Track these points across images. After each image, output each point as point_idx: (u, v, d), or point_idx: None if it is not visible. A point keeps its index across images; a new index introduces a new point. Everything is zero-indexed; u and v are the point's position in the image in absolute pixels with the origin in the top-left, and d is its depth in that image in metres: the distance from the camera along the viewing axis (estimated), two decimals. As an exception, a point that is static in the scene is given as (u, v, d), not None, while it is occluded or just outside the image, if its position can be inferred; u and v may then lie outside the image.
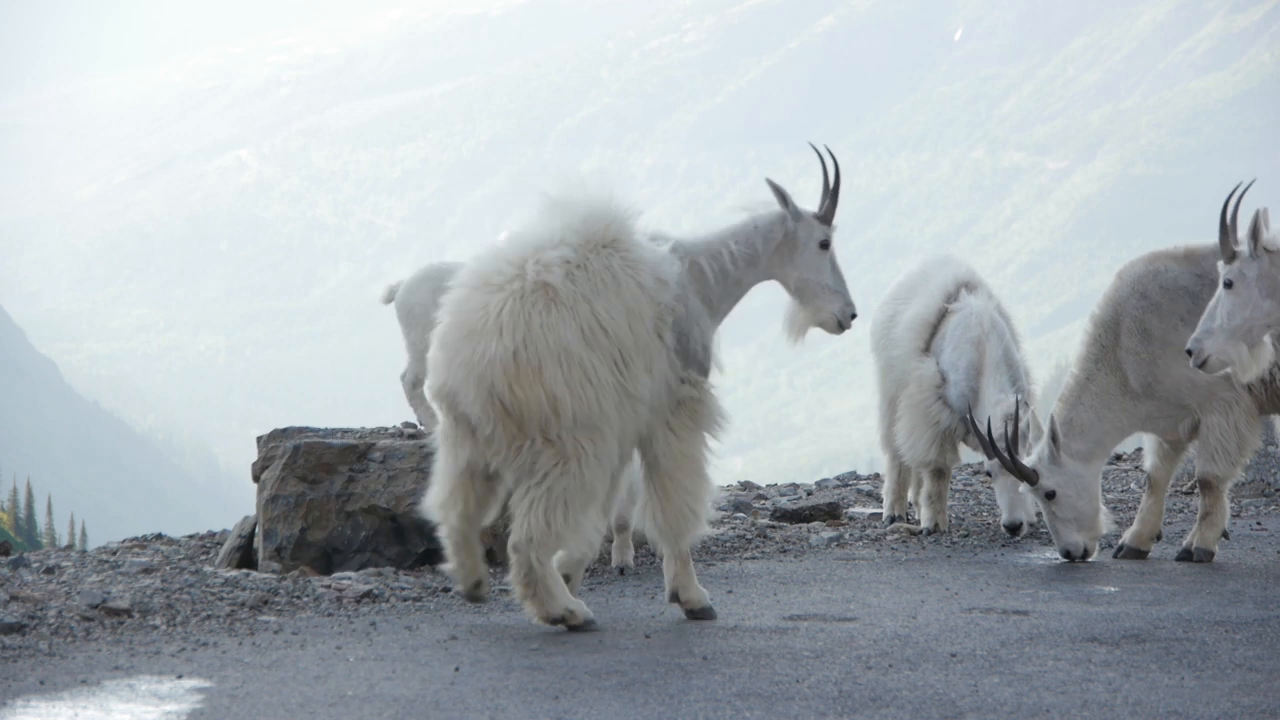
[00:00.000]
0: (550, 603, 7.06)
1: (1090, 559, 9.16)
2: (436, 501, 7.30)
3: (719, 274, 7.36)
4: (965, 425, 9.86)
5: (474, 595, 7.42)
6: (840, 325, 7.54)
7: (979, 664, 6.50)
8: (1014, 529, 9.81)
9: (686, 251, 7.34)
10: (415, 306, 9.35)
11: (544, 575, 7.02)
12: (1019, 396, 9.72)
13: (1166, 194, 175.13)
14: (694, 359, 7.25)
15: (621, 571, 8.91)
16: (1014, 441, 9.32)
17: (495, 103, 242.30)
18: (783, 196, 7.44)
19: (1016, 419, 9.42)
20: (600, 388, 6.92)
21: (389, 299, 9.61)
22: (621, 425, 7.02)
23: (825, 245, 7.46)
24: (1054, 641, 6.95)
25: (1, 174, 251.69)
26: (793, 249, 7.45)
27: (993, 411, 9.79)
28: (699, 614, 7.41)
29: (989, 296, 10.32)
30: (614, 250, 7.06)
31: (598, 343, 6.93)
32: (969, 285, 10.39)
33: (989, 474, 9.91)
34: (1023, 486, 9.28)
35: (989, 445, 9.53)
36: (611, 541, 8.98)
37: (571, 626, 7.11)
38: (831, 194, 7.50)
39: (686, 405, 7.21)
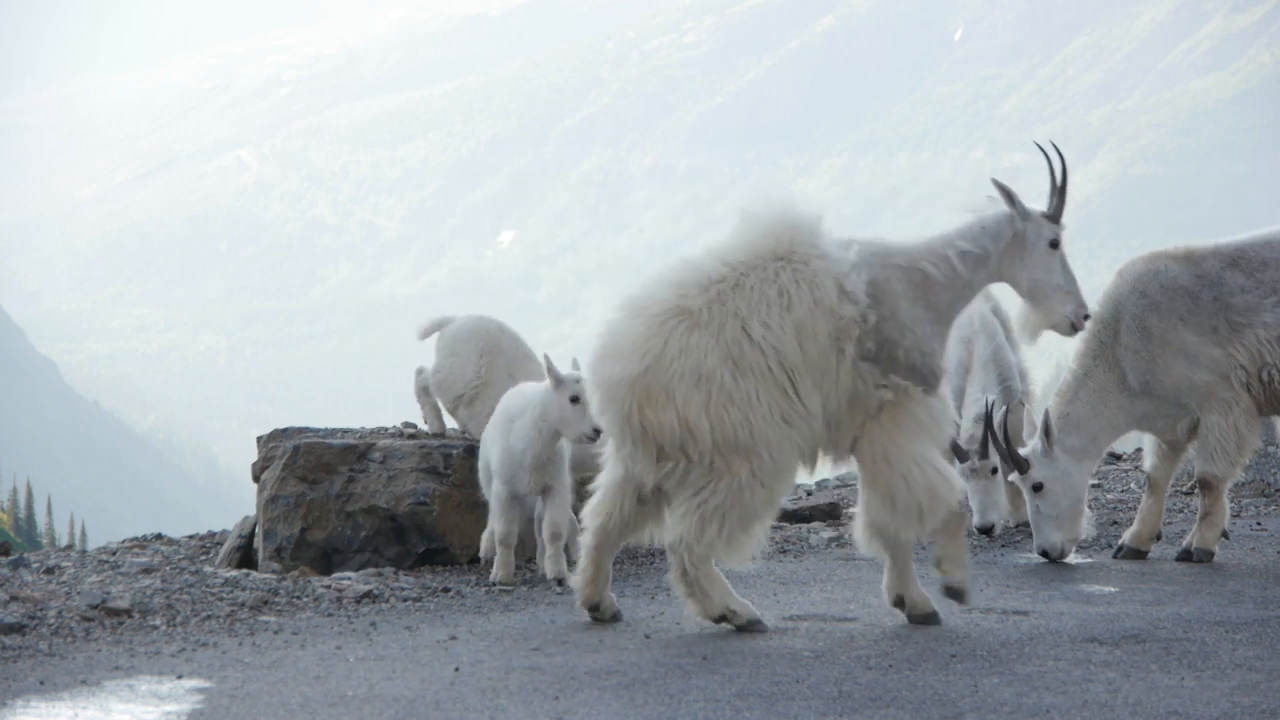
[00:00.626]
0: (708, 603, 7.03)
1: (1066, 560, 9.17)
2: (588, 507, 7.29)
3: (949, 277, 7.15)
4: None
5: (594, 615, 7.33)
6: (1073, 326, 7.37)
7: (979, 664, 6.50)
8: (986, 531, 9.84)
9: (908, 257, 7.13)
10: (458, 357, 9.42)
11: (699, 577, 6.98)
12: (993, 398, 9.72)
13: (1166, 194, 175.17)
14: (902, 365, 6.97)
15: (560, 582, 8.43)
16: (984, 443, 9.37)
17: (495, 103, 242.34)
18: (1009, 196, 7.27)
19: (989, 420, 9.43)
20: (750, 409, 6.78)
21: (425, 335, 9.67)
22: (791, 443, 6.87)
23: (1055, 245, 7.27)
24: (1054, 641, 6.95)
25: (1, 174, 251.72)
26: (1022, 249, 7.27)
27: (967, 412, 9.81)
28: (925, 620, 7.21)
29: (985, 297, 10.32)
30: (787, 264, 6.90)
31: (748, 363, 6.80)
32: None
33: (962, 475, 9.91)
34: (1013, 475, 9.29)
35: (956, 448, 9.56)
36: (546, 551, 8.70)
37: (736, 626, 7.07)
38: (1059, 191, 7.34)
39: (886, 409, 6.97)
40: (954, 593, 7.27)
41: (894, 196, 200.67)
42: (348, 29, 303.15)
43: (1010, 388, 9.93)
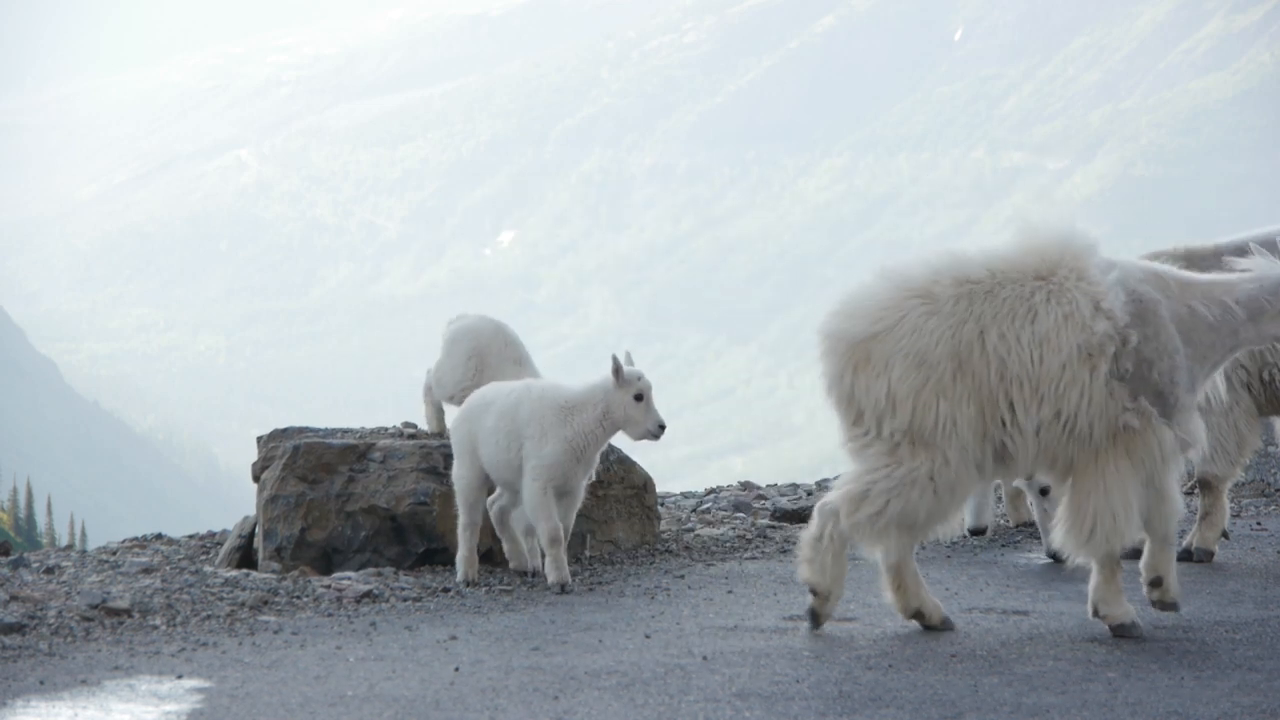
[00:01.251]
0: (819, 575, 7.12)
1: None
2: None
3: (1218, 319, 7.15)
4: None
5: (922, 622, 7.31)
6: None
7: (979, 664, 6.50)
8: (978, 532, 9.85)
9: (1181, 289, 7.17)
10: (450, 357, 9.40)
11: (826, 549, 7.09)
12: None
13: (1166, 194, 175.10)
14: (1152, 388, 7.01)
15: (563, 588, 8.34)
16: None
17: (495, 103, 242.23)
18: None
19: None
20: (957, 409, 6.90)
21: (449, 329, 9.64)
22: (976, 459, 6.97)
23: None
24: (1054, 641, 6.96)
25: (1, 174, 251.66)
26: None
27: None
28: (1120, 630, 7.12)
29: None
30: (1045, 284, 7.00)
31: (972, 367, 6.91)
32: None
33: None
34: (1019, 480, 9.27)
35: None
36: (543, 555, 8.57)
37: (810, 609, 7.18)
38: None
39: (1124, 435, 6.98)
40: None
41: (894, 196, 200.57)
42: (348, 29, 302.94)
43: None
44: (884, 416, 6.96)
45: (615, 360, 8.32)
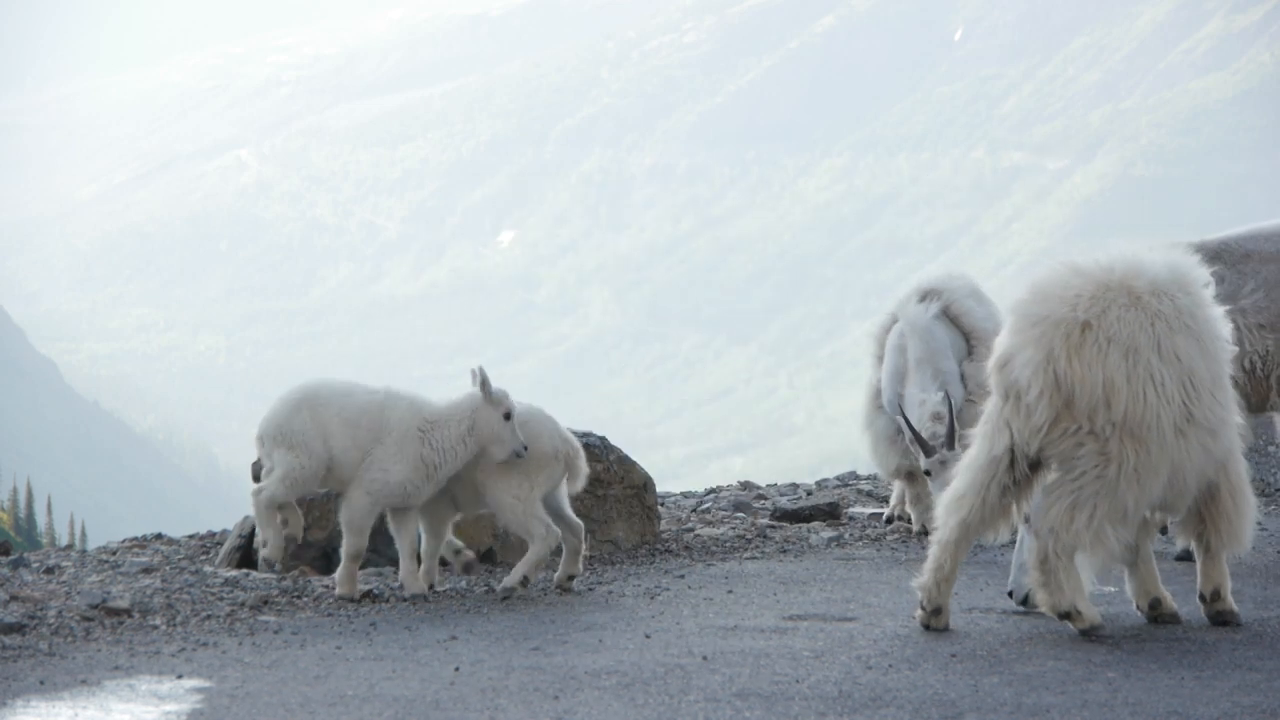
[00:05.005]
0: (1058, 596, 7.01)
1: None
2: (944, 502, 7.28)
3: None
4: (903, 429, 9.70)
5: (933, 623, 7.24)
6: None
7: (979, 664, 6.50)
8: None
9: None
10: (294, 434, 8.17)
11: (1059, 567, 6.99)
12: (945, 392, 9.65)
13: (1166, 194, 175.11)
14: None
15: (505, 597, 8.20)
16: (950, 437, 9.33)
17: (495, 103, 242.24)
18: None
19: (950, 415, 9.40)
20: (1163, 400, 6.92)
21: None
22: (1181, 453, 6.98)
23: None
24: (1054, 641, 6.96)
25: (1, 174, 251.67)
26: None
27: (918, 411, 9.67)
28: (1223, 617, 7.33)
29: (942, 304, 10.17)
30: (1191, 296, 7.15)
31: (1170, 360, 6.97)
32: (929, 293, 10.30)
33: (927, 473, 9.71)
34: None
35: (922, 442, 9.43)
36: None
37: (1079, 628, 7.05)
38: None
39: (1238, 440, 7.29)
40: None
41: (894, 196, 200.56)
42: (348, 29, 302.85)
43: (952, 393, 9.78)
44: (1098, 407, 6.90)
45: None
